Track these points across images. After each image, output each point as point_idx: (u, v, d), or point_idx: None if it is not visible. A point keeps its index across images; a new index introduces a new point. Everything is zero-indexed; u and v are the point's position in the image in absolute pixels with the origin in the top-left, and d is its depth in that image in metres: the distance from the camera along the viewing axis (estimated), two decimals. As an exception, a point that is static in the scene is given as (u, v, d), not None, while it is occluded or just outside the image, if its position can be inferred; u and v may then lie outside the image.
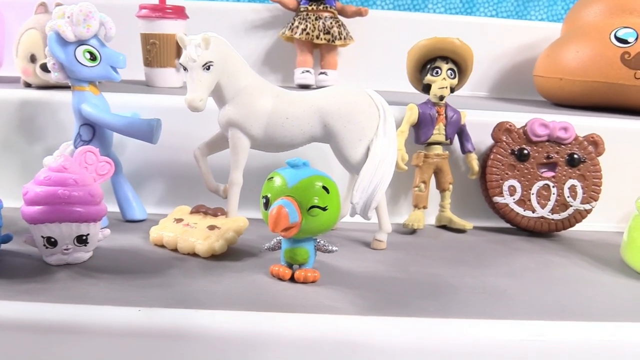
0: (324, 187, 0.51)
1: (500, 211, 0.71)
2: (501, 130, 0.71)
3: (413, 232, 0.71)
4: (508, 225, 0.74)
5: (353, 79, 0.98)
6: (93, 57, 0.63)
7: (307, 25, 0.92)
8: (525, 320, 0.49)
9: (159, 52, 0.82)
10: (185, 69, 0.57)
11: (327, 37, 0.92)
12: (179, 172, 0.75)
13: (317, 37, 0.92)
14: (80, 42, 0.63)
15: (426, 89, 0.72)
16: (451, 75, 0.70)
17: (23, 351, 0.45)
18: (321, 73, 0.94)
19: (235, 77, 0.60)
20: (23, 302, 0.47)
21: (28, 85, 0.79)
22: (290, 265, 0.54)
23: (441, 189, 0.72)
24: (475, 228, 0.73)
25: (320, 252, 0.55)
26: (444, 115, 0.71)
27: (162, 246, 0.61)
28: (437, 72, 0.70)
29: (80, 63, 0.63)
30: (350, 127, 0.61)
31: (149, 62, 0.84)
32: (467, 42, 0.70)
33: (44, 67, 0.74)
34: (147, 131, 0.62)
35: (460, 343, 0.46)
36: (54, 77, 0.65)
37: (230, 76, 0.60)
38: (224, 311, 0.47)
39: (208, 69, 0.57)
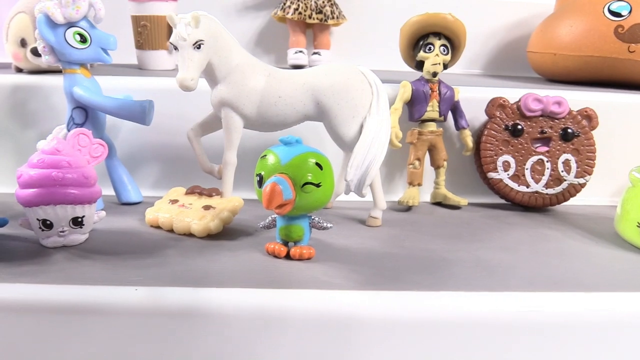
0: (317, 164, 0.51)
1: (495, 187, 0.71)
2: (495, 106, 0.71)
3: (408, 209, 0.71)
4: (502, 201, 0.74)
5: (346, 59, 0.98)
6: (83, 39, 0.63)
7: (299, 5, 0.91)
8: (519, 292, 0.49)
9: (150, 34, 0.82)
10: (175, 48, 0.56)
11: (320, 16, 0.91)
12: (173, 154, 0.75)
13: (310, 17, 0.91)
14: (70, 24, 0.62)
15: (419, 65, 0.72)
16: (444, 51, 0.70)
17: (23, 332, 0.46)
18: (314, 53, 0.94)
19: (226, 56, 0.60)
20: (22, 284, 0.47)
21: (19, 70, 0.78)
22: (285, 243, 0.55)
23: (435, 165, 0.73)
24: (470, 204, 0.73)
25: (315, 229, 0.55)
26: (438, 92, 0.70)
27: (158, 227, 0.61)
28: (429, 49, 0.69)
29: (70, 45, 0.62)
30: (343, 105, 0.61)
31: (140, 45, 0.84)
32: (461, 19, 0.70)
33: (35, 51, 0.73)
34: (139, 112, 0.62)
35: (454, 315, 0.47)
36: (45, 60, 0.64)
37: (221, 55, 0.59)
38: (221, 289, 0.47)
39: (199, 47, 0.56)
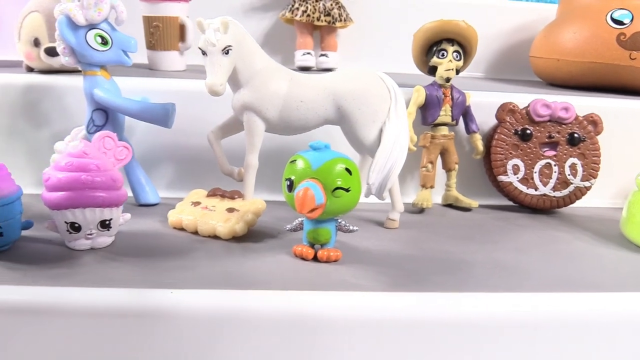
0: (347, 169, 0.52)
1: (505, 189, 0.74)
2: (505, 111, 0.73)
3: (421, 211, 0.73)
4: (510, 203, 0.76)
5: (352, 61, 0.99)
6: (104, 42, 0.63)
7: (307, 7, 0.92)
8: (539, 292, 0.51)
9: (162, 35, 0.82)
10: (204, 53, 0.57)
11: (328, 18, 0.93)
12: (187, 155, 0.75)
13: (318, 19, 0.92)
14: (91, 26, 0.62)
15: (432, 70, 0.73)
16: (457, 57, 0.71)
17: (56, 336, 0.46)
18: (322, 55, 0.95)
19: (250, 61, 0.60)
20: (54, 287, 0.48)
21: (30, 69, 0.77)
22: (312, 245, 0.56)
23: (447, 168, 0.75)
24: (479, 206, 0.75)
25: (341, 232, 0.56)
26: (450, 96, 0.72)
27: (181, 229, 0.62)
28: (443, 55, 0.71)
29: (91, 47, 0.62)
30: (364, 109, 0.62)
31: (152, 45, 0.84)
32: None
33: (49, 51, 0.73)
34: (162, 115, 0.62)
35: (479, 315, 0.49)
36: (64, 61, 0.64)
37: (245, 60, 0.60)
38: (253, 291, 0.48)
39: (227, 53, 0.57)
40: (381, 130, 0.62)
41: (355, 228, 0.56)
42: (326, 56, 0.95)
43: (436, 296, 0.50)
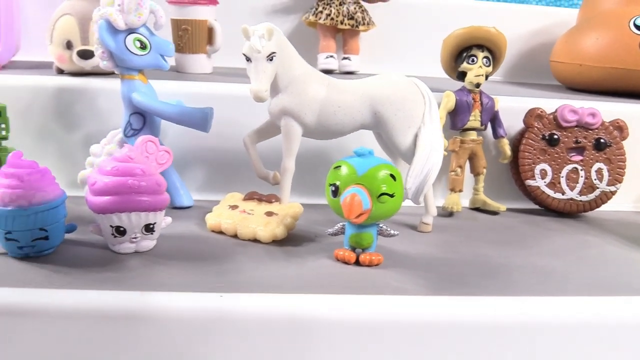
0: (391, 175, 0.53)
1: (532, 193, 0.75)
2: (533, 116, 0.74)
3: (450, 214, 0.74)
4: (535, 207, 0.78)
5: (374, 64, 0.99)
6: (143, 46, 0.63)
7: (331, 11, 0.93)
8: (580, 296, 0.52)
9: (191, 38, 0.82)
10: (247, 59, 0.58)
11: (351, 22, 0.93)
12: (217, 158, 0.76)
13: (342, 23, 0.93)
14: (130, 31, 0.63)
15: (460, 76, 0.74)
16: (486, 63, 0.72)
17: (109, 340, 0.47)
18: (344, 58, 0.96)
19: (289, 66, 0.61)
20: (105, 292, 0.48)
21: (61, 71, 0.78)
22: (353, 249, 0.57)
23: (475, 172, 0.76)
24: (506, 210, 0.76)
25: (381, 236, 0.57)
26: (480, 101, 0.73)
27: (220, 232, 0.62)
28: (473, 60, 0.72)
29: (130, 52, 0.63)
30: (400, 115, 0.63)
31: (180, 48, 0.84)
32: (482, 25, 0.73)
33: (82, 54, 0.73)
34: (201, 120, 0.63)
35: (525, 319, 0.50)
36: (102, 65, 0.64)
37: (285, 65, 0.61)
38: (302, 295, 0.49)
39: (271, 59, 0.58)
40: (416, 136, 0.63)
41: (395, 232, 0.57)
42: (349, 59, 0.95)
43: (481, 300, 0.51)
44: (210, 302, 0.48)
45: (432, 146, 0.62)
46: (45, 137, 0.74)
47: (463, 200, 0.78)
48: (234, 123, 0.73)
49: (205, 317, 0.47)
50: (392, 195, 0.53)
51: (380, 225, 0.57)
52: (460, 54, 0.73)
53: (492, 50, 0.73)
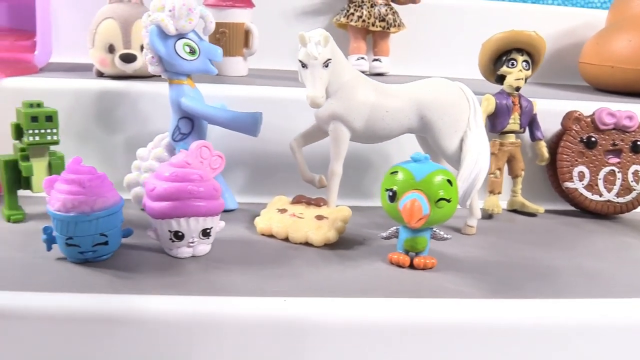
0: (448, 180, 0.54)
1: (570, 195, 0.76)
2: (571, 119, 0.75)
3: (490, 216, 0.75)
4: (571, 208, 0.79)
5: (403, 65, 1.00)
6: (192, 51, 0.64)
7: (362, 13, 0.93)
8: (630, 298, 0.53)
9: (228, 41, 0.82)
10: (303, 65, 0.58)
11: (383, 24, 0.94)
12: (253, 161, 0.76)
13: (373, 25, 0.93)
14: (180, 36, 0.63)
15: (499, 79, 0.75)
16: (526, 66, 0.73)
17: (178, 344, 0.47)
18: (375, 60, 0.96)
19: (339, 72, 0.62)
20: (170, 296, 0.49)
21: (100, 74, 0.78)
22: (406, 252, 0.58)
23: (514, 175, 0.77)
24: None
25: (434, 240, 0.58)
26: (519, 105, 0.74)
27: (270, 236, 0.63)
28: (513, 64, 0.73)
29: (180, 57, 0.63)
30: (447, 119, 0.64)
31: (217, 51, 0.84)
32: (511, 28, 0.73)
33: (125, 58, 0.74)
34: (251, 124, 0.63)
35: (579, 321, 0.51)
36: (151, 70, 0.65)
37: (335, 71, 0.61)
38: (366, 299, 0.50)
39: (327, 66, 0.58)
40: (462, 140, 0.64)
41: (448, 236, 0.58)
42: (379, 61, 0.96)
43: (536, 303, 0.52)
44: (274, 306, 0.49)
45: (480, 150, 0.63)
46: (87, 140, 0.75)
47: (500, 202, 0.79)
48: (271, 126, 0.74)
49: (270, 322, 0.48)
50: (449, 200, 0.54)
51: (434, 229, 0.58)
52: (500, 57, 0.74)
53: (531, 53, 0.73)
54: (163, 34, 0.62)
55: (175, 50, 0.63)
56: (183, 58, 0.63)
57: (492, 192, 0.75)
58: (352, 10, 0.94)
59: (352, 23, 0.93)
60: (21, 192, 0.66)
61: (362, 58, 0.95)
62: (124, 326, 0.47)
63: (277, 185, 0.76)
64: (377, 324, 0.48)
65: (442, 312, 0.50)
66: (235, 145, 0.76)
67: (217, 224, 0.58)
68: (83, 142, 0.75)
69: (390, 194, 0.55)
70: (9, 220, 0.64)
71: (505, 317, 0.50)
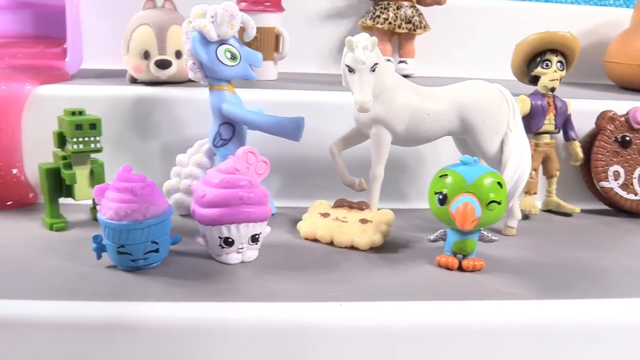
0: (498, 183, 0.54)
1: (606, 195, 0.76)
2: (605, 119, 0.76)
3: (526, 217, 0.75)
4: (604, 207, 0.79)
5: (427, 67, 1.00)
6: (233, 57, 0.64)
7: (389, 15, 0.93)
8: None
9: (259, 45, 0.82)
10: (350, 70, 0.58)
11: (409, 26, 0.94)
12: (289, 165, 0.76)
13: (399, 27, 0.93)
14: (221, 42, 0.63)
15: (532, 80, 0.75)
16: (560, 67, 0.73)
17: (236, 352, 0.47)
18: (400, 62, 0.96)
19: (381, 76, 0.62)
20: (227, 303, 0.49)
21: (134, 80, 0.78)
22: (454, 255, 0.58)
23: (548, 175, 0.77)
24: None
25: (482, 242, 0.58)
26: (554, 105, 0.74)
27: (315, 240, 0.63)
28: (547, 65, 0.73)
29: (222, 62, 0.63)
30: (488, 122, 0.64)
31: (248, 55, 0.84)
32: (537, 28, 0.73)
33: (160, 64, 0.74)
34: (294, 129, 0.63)
35: (631, 321, 0.51)
36: (192, 76, 0.65)
37: (379, 75, 0.61)
38: (422, 302, 0.50)
39: (374, 70, 0.59)
40: (502, 142, 0.65)
41: (495, 238, 0.58)
42: (405, 63, 0.96)
43: (588, 303, 0.52)
44: (329, 311, 0.49)
45: (522, 152, 0.63)
46: (123, 147, 0.75)
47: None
48: (309, 130, 0.74)
49: (326, 327, 0.48)
50: (499, 203, 0.54)
51: (482, 231, 0.58)
52: (533, 58, 0.74)
53: (565, 54, 0.74)
54: (205, 40, 0.62)
55: (217, 56, 0.63)
56: (224, 64, 0.63)
57: (527, 192, 0.75)
58: (377, 13, 0.94)
59: (379, 25, 0.93)
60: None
61: (388, 60, 0.95)
62: (185, 333, 0.47)
63: (311, 189, 0.76)
64: (437, 327, 0.49)
65: (497, 314, 0.50)
66: (268, 150, 0.75)
67: (264, 230, 0.58)
68: (119, 149, 0.75)
69: (440, 197, 0.55)
70: (51, 228, 0.64)
71: (558, 317, 0.50)
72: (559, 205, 0.77)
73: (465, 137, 0.66)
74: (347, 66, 0.59)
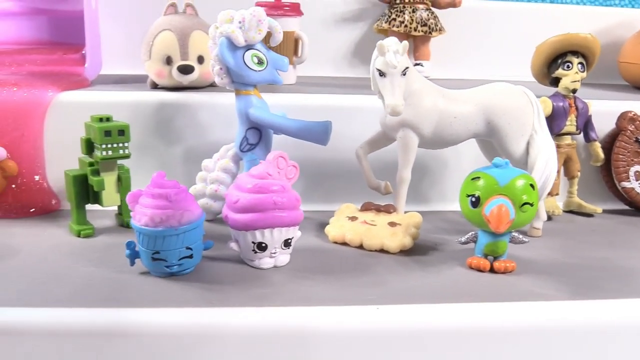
0: (531, 185, 0.55)
1: (627, 195, 0.76)
2: (625, 119, 0.76)
3: (549, 218, 0.75)
4: (625, 207, 0.79)
5: (443, 69, 1.01)
6: (260, 62, 0.64)
7: (404, 18, 0.94)
8: None
9: (279, 49, 0.82)
10: (381, 74, 0.59)
11: (424, 29, 0.94)
12: (313, 169, 0.76)
13: (415, 29, 0.94)
14: (248, 47, 0.64)
15: (553, 82, 0.76)
16: (581, 68, 0.74)
17: (278, 356, 0.48)
18: (416, 64, 0.97)
19: (410, 80, 0.62)
20: (269, 308, 0.49)
21: (155, 85, 0.78)
22: (485, 257, 0.58)
23: (570, 176, 0.77)
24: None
25: (513, 243, 0.59)
26: (575, 106, 0.75)
27: (343, 243, 0.63)
28: (568, 66, 0.74)
29: (249, 67, 0.63)
30: (514, 124, 0.64)
31: (267, 60, 0.84)
32: (551, 30, 0.74)
33: (183, 69, 0.74)
34: (322, 134, 0.63)
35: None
36: (218, 82, 0.65)
37: (407, 79, 0.62)
38: (460, 304, 0.50)
39: (404, 74, 0.59)
40: (528, 144, 0.65)
41: (526, 239, 0.59)
42: (421, 65, 0.96)
43: (620, 303, 0.52)
44: (366, 315, 0.49)
45: (549, 153, 0.64)
46: (146, 152, 0.75)
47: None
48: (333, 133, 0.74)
49: (363, 330, 0.49)
50: (532, 204, 0.54)
51: (513, 232, 0.58)
52: (554, 60, 0.75)
53: (585, 55, 0.74)
54: (232, 46, 0.62)
55: (244, 61, 0.63)
56: (251, 69, 0.64)
57: (550, 193, 0.76)
58: (393, 16, 0.94)
59: (395, 28, 0.94)
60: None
61: (404, 63, 0.95)
62: (222, 339, 0.47)
63: (335, 192, 0.76)
64: (474, 329, 0.49)
65: (532, 315, 0.50)
66: (291, 154, 0.76)
67: (296, 234, 0.58)
68: (142, 154, 0.74)
69: (473, 199, 0.55)
70: (79, 235, 0.64)
71: (592, 317, 0.51)
72: (581, 206, 0.77)
73: (491, 139, 0.66)
74: (378, 70, 0.59)
